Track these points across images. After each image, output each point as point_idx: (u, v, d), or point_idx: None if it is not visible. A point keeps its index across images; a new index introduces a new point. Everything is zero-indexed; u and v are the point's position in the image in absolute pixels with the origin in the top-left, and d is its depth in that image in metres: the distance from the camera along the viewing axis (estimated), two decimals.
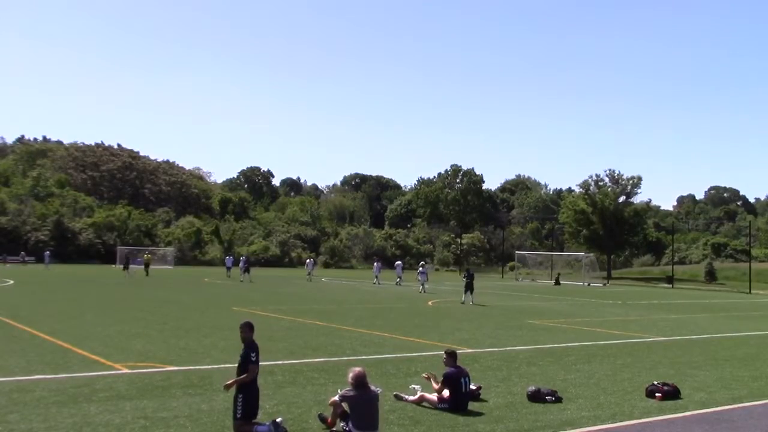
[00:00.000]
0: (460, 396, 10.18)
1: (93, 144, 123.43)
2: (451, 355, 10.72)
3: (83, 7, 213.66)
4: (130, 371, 12.66)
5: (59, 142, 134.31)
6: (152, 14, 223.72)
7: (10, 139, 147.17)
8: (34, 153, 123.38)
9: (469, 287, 32.35)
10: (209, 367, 13.40)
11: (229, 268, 54.57)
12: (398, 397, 10.78)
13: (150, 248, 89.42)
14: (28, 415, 9.28)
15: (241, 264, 52.32)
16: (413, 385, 11.07)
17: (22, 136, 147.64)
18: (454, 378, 10.24)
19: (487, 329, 22.03)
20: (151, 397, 10.54)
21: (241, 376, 8.78)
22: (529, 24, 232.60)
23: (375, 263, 54.85)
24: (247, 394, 8.79)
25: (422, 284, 40.41)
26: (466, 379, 10.34)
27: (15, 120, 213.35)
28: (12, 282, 40.33)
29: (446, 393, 10.28)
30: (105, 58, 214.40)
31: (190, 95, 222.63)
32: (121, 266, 52.89)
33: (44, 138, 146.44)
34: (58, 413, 9.41)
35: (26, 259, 73.48)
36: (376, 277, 51.01)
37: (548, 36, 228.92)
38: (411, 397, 10.67)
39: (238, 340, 9.43)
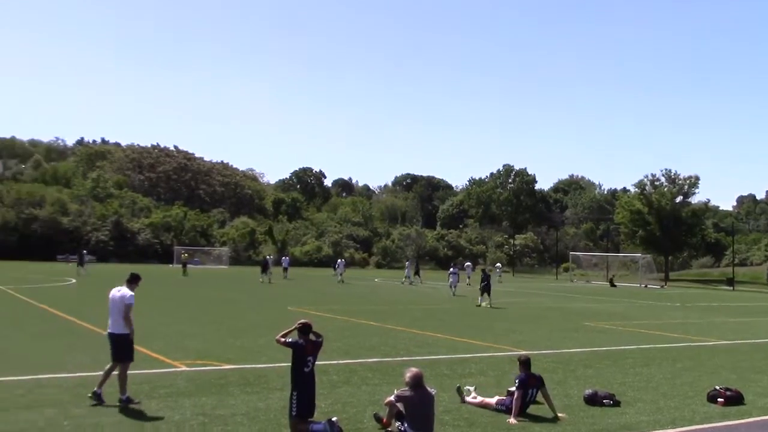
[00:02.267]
0: (523, 402, 10.05)
1: (150, 146, 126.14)
2: (524, 363, 10.33)
3: (140, 12, 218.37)
4: (188, 369, 12.90)
5: (117, 144, 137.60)
6: (207, 20, 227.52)
7: (70, 142, 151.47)
8: (93, 155, 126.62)
9: (486, 289, 31.27)
10: (265, 366, 13.56)
11: (285, 269, 54.64)
12: (459, 392, 10.78)
13: (206, 248, 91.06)
14: (93, 409, 9.54)
15: (284, 263, 54.86)
16: (468, 386, 11.03)
17: (82, 139, 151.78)
18: (526, 384, 10.05)
19: (543, 331, 21.81)
20: (209, 395, 10.72)
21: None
22: (582, 21, 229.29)
23: (407, 262, 56.04)
24: (301, 392, 8.86)
25: (453, 286, 38.98)
26: (534, 390, 10.17)
27: (75, 123, 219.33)
28: (74, 281, 41.45)
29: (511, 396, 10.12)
30: (162, 63, 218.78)
31: (244, 98, 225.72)
32: (180, 265, 54.42)
33: (103, 140, 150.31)
34: (122, 409, 9.65)
35: (88, 258, 75.45)
36: (407, 277, 51.99)
37: (603, 33, 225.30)
38: (470, 399, 10.63)
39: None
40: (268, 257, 59.24)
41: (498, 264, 66.76)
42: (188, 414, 9.48)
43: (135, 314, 10.59)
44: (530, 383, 10.12)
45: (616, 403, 10.78)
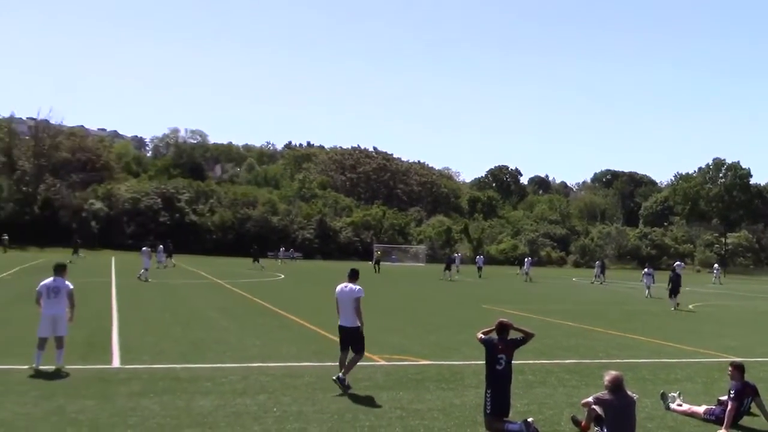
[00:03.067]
0: (737, 413, 9.35)
1: (351, 148, 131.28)
2: (738, 368, 9.61)
3: (338, 20, 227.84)
4: (386, 363, 13.28)
5: (321, 147, 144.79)
6: (403, 24, 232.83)
7: (279, 146, 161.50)
8: (300, 158, 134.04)
9: (674, 290, 29.07)
10: (461, 362, 13.65)
11: (480, 268, 54.48)
12: (663, 398, 10.27)
13: (403, 246, 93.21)
14: (298, 398, 10.12)
15: (478, 261, 55.09)
16: (672, 393, 10.45)
17: (290, 143, 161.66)
18: (741, 394, 9.37)
19: (758, 336, 20.15)
20: (407, 389, 10.99)
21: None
22: None
23: (597, 262, 55.40)
24: (494, 390, 8.83)
25: (648, 287, 36.43)
26: (749, 400, 9.46)
27: (284, 128, 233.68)
28: (283, 276, 44.10)
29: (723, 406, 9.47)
30: (362, 69, 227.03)
31: (440, 98, 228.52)
32: (372, 263, 56.53)
33: (308, 143, 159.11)
34: (323, 398, 10.15)
35: (294, 255, 79.96)
36: (597, 276, 50.61)
37: None
38: (674, 406, 10.06)
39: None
40: (456, 255, 59.64)
41: (716, 265, 62.70)
42: (386, 407, 9.78)
43: (335, 309, 11.16)
44: (746, 393, 9.40)
45: None
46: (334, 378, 10.67)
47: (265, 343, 15.16)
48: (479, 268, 54.14)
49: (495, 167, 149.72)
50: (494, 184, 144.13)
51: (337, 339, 11.38)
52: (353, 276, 11.28)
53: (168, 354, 13.33)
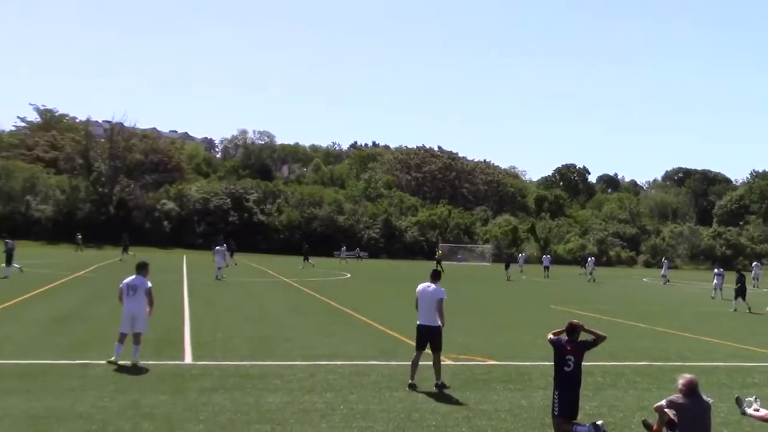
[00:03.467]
0: None
1: (416, 147, 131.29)
2: None
3: (405, 20, 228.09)
4: (453, 363, 13.24)
5: (386, 147, 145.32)
6: (463, 22, 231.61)
7: (345, 146, 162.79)
8: (365, 157, 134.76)
9: (740, 292, 27.90)
10: (528, 363, 13.52)
11: (546, 268, 53.73)
12: (738, 403, 9.97)
13: (468, 245, 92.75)
14: (365, 396, 10.20)
15: (544, 261, 54.40)
16: (749, 398, 10.12)
17: (355, 143, 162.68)
18: None
19: None
20: (473, 389, 10.95)
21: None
22: None
23: (664, 260, 55.23)
24: (562, 392, 8.72)
25: (717, 288, 34.99)
26: None
27: (349, 128, 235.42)
28: (349, 275, 44.43)
29: None
30: (426, 68, 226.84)
31: (504, 98, 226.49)
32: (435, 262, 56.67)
33: (374, 143, 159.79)
34: (390, 397, 10.20)
35: (360, 254, 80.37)
36: (663, 275, 49.66)
37: None
38: (751, 411, 9.75)
39: None
40: (520, 254, 58.93)
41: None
42: (453, 407, 9.78)
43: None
44: None
45: None
46: (410, 385, 10.82)
47: (332, 342, 15.30)
48: (546, 268, 53.37)
49: (562, 165, 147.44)
50: (561, 183, 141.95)
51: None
52: (435, 276, 11.43)
53: (238, 351, 13.60)
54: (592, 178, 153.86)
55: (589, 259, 54.18)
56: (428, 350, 11.12)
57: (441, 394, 10.47)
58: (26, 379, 10.37)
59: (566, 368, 8.78)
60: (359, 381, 11.22)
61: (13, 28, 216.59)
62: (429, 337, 11.06)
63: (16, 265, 31.60)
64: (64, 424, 8.13)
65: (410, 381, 10.95)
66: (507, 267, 48.68)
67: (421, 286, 11.31)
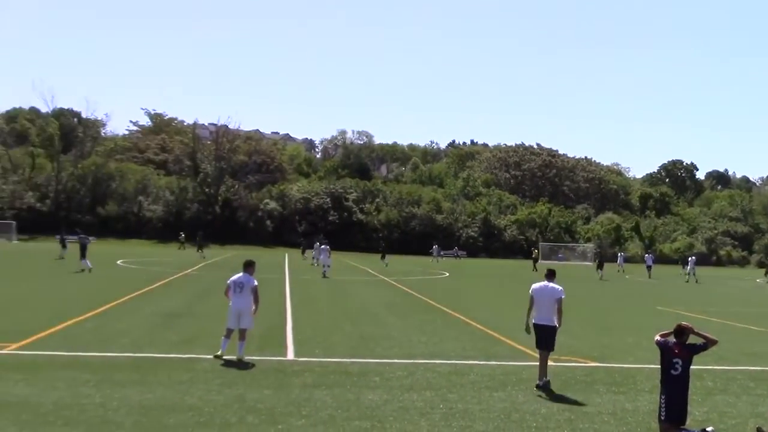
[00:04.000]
0: None
1: (514, 145, 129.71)
2: None
3: (500, 19, 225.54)
4: (553, 364, 12.95)
5: (485, 145, 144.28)
6: (556, 18, 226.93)
7: (443, 145, 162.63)
8: (463, 156, 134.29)
9: None
10: (633, 366, 13.16)
11: (649, 267, 51.83)
12: None
13: (570, 244, 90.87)
14: (464, 395, 10.17)
15: (647, 261, 52.71)
16: None
17: (454, 141, 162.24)
18: None
19: None
20: (575, 391, 10.74)
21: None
22: None
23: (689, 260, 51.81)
24: (669, 396, 8.42)
25: None
26: None
27: (447, 127, 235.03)
28: (447, 274, 44.36)
29: None
30: (523, 65, 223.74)
31: (607, 91, 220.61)
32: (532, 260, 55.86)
33: (472, 142, 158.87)
34: (490, 397, 10.13)
35: (459, 253, 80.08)
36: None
37: None
38: None
39: None
40: (620, 254, 57.20)
41: None
42: (555, 409, 9.61)
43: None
44: None
45: None
46: (537, 385, 10.73)
47: (431, 340, 15.32)
48: (648, 268, 51.64)
49: (668, 162, 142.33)
50: (667, 180, 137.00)
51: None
52: (552, 275, 11.40)
53: (338, 348, 13.81)
54: (700, 175, 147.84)
55: (690, 258, 51.99)
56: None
57: (542, 396, 10.32)
58: (139, 371, 10.88)
59: (673, 371, 8.48)
60: (458, 380, 11.19)
61: (129, 38, 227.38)
62: (544, 336, 11.02)
63: (87, 262, 31.70)
64: (174, 416, 8.48)
65: (538, 382, 10.89)
66: (600, 267, 47.35)
67: (537, 285, 11.27)
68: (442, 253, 68.82)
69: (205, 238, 58.50)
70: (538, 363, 11.12)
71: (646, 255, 57.36)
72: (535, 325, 11.16)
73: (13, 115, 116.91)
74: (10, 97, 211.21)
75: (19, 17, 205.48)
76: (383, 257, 52.65)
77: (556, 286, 11.10)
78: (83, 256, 32.03)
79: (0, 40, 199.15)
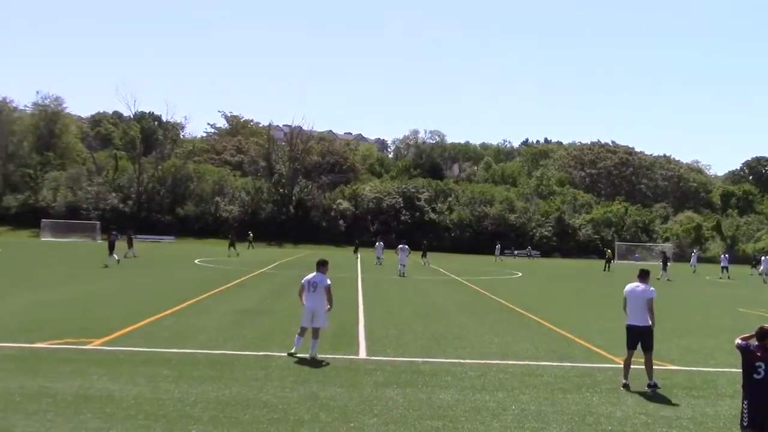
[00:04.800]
0: None
1: (590, 143, 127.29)
2: None
3: (573, 17, 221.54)
4: (632, 367, 12.72)
5: (559, 143, 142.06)
6: (652, 14, 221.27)
7: (516, 143, 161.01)
8: (537, 154, 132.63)
9: None
10: (713, 369, 12.76)
11: (725, 268, 49.58)
12: None
13: (647, 244, 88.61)
14: (536, 397, 10.06)
15: (722, 261, 49.94)
16: None
17: (527, 140, 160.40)
18: None
19: None
20: (653, 395, 10.48)
21: None
22: None
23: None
24: (751, 401, 8.11)
25: None
26: None
27: (520, 125, 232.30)
28: (520, 274, 43.89)
29: None
30: (598, 61, 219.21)
31: (686, 87, 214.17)
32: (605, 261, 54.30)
33: (546, 140, 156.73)
34: (563, 399, 9.99)
35: (532, 253, 79.17)
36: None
37: None
38: None
39: None
40: (693, 253, 55.35)
41: None
42: (630, 412, 9.42)
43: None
44: None
45: None
46: (647, 387, 10.73)
47: (503, 340, 15.20)
48: (724, 268, 48.92)
49: (752, 158, 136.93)
50: (751, 177, 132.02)
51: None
52: (644, 276, 11.42)
53: (410, 347, 13.84)
54: None
55: (764, 258, 49.55)
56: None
57: (619, 399, 10.12)
58: (216, 367, 11.15)
59: (756, 375, 8.18)
60: (531, 381, 11.08)
61: (207, 43, 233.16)
62: (639, 337, 11.02)
63: (115, 256, 34.73)
64: (250, 412, 8.66)
65: (624, 381, 10.99)
66: (664, 267, 44.83)
67: (629, 286, 11.33)
68: (508, 251, 67.56)
69: (233, 236, 58.32)
70: (622, 364, 11.13)
71: (723, 255, 54.78)
72: (627, 326, 11.20)
73: (97, 119, 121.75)
74: (95, 102, 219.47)
75: (102, 25, 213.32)
76: (424, 255, 51.52)
77: (648, 287, 11.17)
78: (111, 251, 35.21)
79: (85, 47, 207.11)
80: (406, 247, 38.14)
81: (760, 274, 46.47)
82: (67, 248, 52.77)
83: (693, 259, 56.17)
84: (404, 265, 36.36)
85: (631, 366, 11.08)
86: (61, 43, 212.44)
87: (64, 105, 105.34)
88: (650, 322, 10.98)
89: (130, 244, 43.46)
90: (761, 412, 8.08)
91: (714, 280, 46.15)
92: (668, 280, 42.32)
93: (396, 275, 35.38)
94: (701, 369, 12.83)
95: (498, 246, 68.68)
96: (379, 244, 48.78)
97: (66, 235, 74.77)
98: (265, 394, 9.53)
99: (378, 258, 47.38)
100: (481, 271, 44.80)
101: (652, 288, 11.21)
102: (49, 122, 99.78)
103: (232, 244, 53.37)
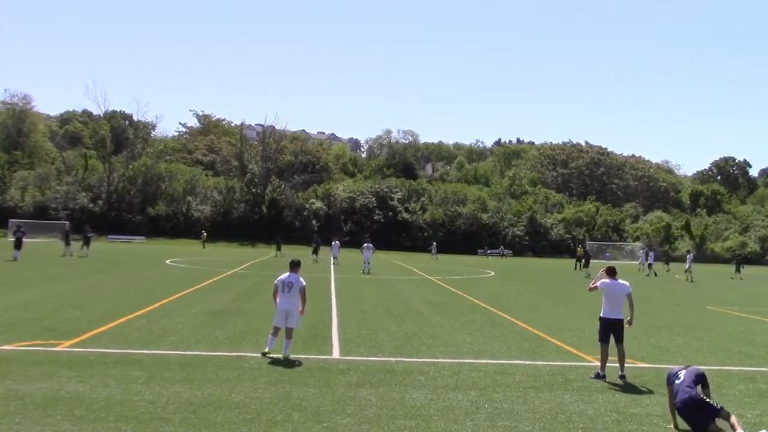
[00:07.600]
0: None
1: (562, 143, 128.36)
2: None
3: (545, 18, 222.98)
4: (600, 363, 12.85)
5: (531, 143, 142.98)
6: (601, 18, 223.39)
7: (489, 143, 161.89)
8: (509, 154, 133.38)
9: None
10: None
11: (687, 270, 49.45)
12: None
13: (617, 243, 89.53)
14: (509, 395, 10.11)
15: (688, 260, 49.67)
16: None
17: (499, 140, 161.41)
18: None
19: None
20: (623, 392, 10.59)
21: None
22: None
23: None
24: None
25: None
26: None
27: (493, 125, 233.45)
28: (492, 273, 44.11)
29: None
30: (570, 62, 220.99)
31: (655, 87, 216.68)
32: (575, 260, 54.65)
33: (518, 140, 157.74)
34: (535, 397, 10.05)
35: (504, 252, 79.62)
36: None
37: None
38: None
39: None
40: (688, 253, 55.45)
41: None
42: (601, 410, 9.50)
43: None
44: None
45: None
46: (619, 378, 11.32)
47: (477, 340, 15.26)
48: (686, 270, 49.12)
49: (720, 159, 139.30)
50: (719, 177, 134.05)
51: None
52: (613, 272, 11.99)
53: (383, 347, 13.84)
54: (753, 172, 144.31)
55: (688, 255, 49.25)
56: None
57: (590, 396, 10.21)
58: (188, 368, 11.06)
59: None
60: (503, 380, 11.13)
61: (178, 40, 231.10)
62: (614, 330, 11.51)
63: (88, 249, 41.94)
64: (222, 413, 8.60)
65: (600, 372, 11.45)
66: (650, 264, 45.24)
67: (606, 282, 11.77)
68: (481, 251, 67.95)
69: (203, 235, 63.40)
70: (594, 362, 11.46)
71: (688, 255, 54.73)
72: (604, 318, 11.62)
73: (66, 118, 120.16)
74: (63, 101, 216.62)
75: (72, 23, 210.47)
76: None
77: (625, 283, 11.84)
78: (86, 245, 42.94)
79: (54, 45, 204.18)
80: (371, 245, 39.48)
81: (685, 271, 46.86)
82: (36, 248, 52.01)
83: (688, 262, 55.55)
84: (368, 263, 38.08)
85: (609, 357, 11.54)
86: (29, 40, 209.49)
87: (33, 103, 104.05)
88: (622, 316, 11.54)
89: (86, 243, 43.45)
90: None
91: (682, 278, 46.72)
92: (648, 275, 42.93)
93: (361, 273, 36.16)
94: (670, 366, 12.93)
95: (434, 244, 68.39)
96: (335, 243, 48.26)
97: (34, 235, 73.62)
98: (237, 395, 9.47)
99: (334, 257, 46.45)
100: (453, 270, 44.93)
101: (628, 283, 11.84)
102: (17, 120, 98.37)
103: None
